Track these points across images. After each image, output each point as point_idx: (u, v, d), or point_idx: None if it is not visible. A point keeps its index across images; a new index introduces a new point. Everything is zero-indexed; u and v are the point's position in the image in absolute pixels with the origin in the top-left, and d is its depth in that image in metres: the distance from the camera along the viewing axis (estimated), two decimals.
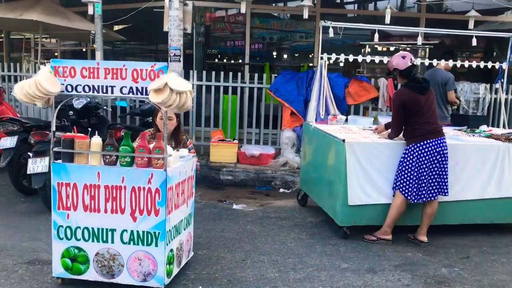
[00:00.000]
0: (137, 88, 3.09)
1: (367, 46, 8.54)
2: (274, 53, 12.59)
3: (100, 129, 5.62)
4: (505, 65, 5.59)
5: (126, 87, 3.10)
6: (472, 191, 4.69)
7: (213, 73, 7.55)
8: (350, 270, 3.87)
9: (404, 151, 4.42)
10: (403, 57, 4.41)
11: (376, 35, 5.19)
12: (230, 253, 4.13)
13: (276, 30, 12.23)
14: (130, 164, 3.19)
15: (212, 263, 3.90)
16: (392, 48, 9.44)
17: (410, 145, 4.37)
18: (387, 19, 6.60)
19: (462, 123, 5.80)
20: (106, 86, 3.11)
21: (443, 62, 6.19)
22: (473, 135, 5.13)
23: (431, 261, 4.14)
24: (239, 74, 7.54)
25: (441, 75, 6.45)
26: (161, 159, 3.13)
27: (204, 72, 7.54)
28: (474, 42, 5.32)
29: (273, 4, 12.08)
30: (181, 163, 3.43)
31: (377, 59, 5.30)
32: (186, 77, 7.46)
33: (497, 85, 6.20)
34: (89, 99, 5.82)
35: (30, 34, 11.28)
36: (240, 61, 10.14)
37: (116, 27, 11.03)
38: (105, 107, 6.29)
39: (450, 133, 5.18)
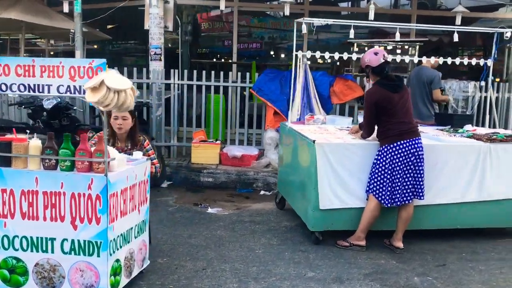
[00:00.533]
0: (74, 86, 2.88)
1: (355, 44, 8.25)
2: (272, 52, 12.38)
3: (71, 130, 5.43)
4: (490, 62, 5.33)
5: (63, 85, 2.89)
6: (451, 194, 4.45)
7: (195, 72, 7.34)
8: (315, 280, 3.64)
9: (377, 152, 4.19)
10: (376, 54, 4.18)
11: (352, 31, 4.94)
12: (191, 261, 3.91)
13: (274, 29, 12.04)
14: (71, 169, 2.98)
15: (170, 272, 3.69)
16: (389, 47, 9.18)
17: (383, 146, 4.14)
18: (371, 15, 6.37)
19: (446, 122, 5.54)
20: (43, 85, 2.91)
21: (424, 59, 5.96)
22: (455, 135, 4.87)
23: (404, 269, 3.91)
24: (222, 73, 7.33)
25: (426, 73, 6.21)
26: (102, 163, 2.92)
27: (186, 71, 7.33)
28: (455, 37, 5.07)
29: (268, 3, 11.87)
30: (129, 167, 3.22)
31: (354, 56, 5.06)
32: (167, 76, 7.27)
33: (483, 83, 5.93)
34: (59, 99, 5.64)
35: (18, 35, 11.15)
36: (230, 60, 9.91)
37: (108, 26, 10.89)
38: (75, 108, 6.10)
39: (430, 133, 4.94)
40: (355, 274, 3.77)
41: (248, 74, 7.41)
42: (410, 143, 4.07)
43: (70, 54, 12.41)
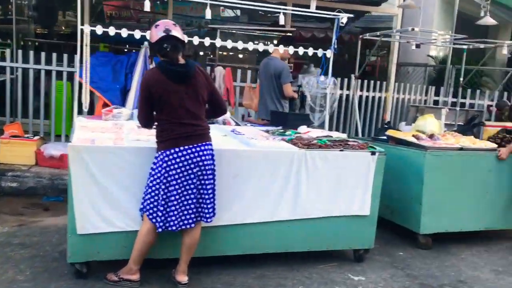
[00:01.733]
0: None
1: (218, 30, 7.30)
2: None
3: None
4: (329, 53, 4.57)
5: None
6: (258, 211, 3.56)
7: (8, 51, 6.00)
8: None
9: (154, 160, 3.18)
10: (156, 26, 3.17)
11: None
12: None
13: (179, 14, 11.11)
14: None
15: None
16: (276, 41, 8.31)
17: (159, 153, 3.14)
18: None
19: (281, 122, 4.71)
20: None
21: (277, 48, 5.12)
22: (275, 138, 4.00)
23: None
24: (43, 54, 6.06)
25: (275, 64, 5.39)
26: None
27: (8, 51, 5.96)
28: (281, 20, 4.24)
29: None
30: None
31: (137, 34, 4.07)
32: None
33: (322, 77, 5.18)
34: None
35: None
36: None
37: None
38: None
39: (247, 135, 4.03)
40: None
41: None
42: (192, 150, 3.10)
43: None
